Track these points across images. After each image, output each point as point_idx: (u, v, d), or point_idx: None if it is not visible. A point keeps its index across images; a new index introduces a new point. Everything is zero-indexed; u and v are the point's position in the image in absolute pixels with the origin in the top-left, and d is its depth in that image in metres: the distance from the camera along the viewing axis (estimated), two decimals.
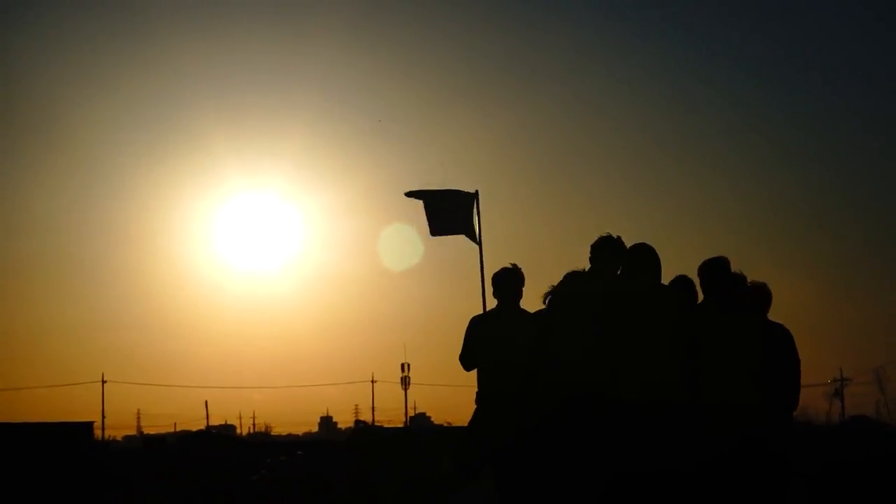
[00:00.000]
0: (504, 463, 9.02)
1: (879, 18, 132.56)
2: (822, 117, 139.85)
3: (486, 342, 9.28)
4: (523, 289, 9.37)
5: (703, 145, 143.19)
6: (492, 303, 9.66)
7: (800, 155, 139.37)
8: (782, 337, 8.97)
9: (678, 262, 9.30)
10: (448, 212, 11.31)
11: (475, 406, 9.29)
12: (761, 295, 9.18)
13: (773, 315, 9.08)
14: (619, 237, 8.74)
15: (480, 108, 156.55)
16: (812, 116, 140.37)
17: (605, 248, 8.72)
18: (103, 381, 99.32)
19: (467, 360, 9.43)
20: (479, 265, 11.06)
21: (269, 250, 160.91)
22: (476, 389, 9.34)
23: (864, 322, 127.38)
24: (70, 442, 31.67)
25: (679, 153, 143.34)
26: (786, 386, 8.84)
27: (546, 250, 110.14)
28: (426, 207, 11.34)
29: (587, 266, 8.82)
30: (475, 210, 11.30)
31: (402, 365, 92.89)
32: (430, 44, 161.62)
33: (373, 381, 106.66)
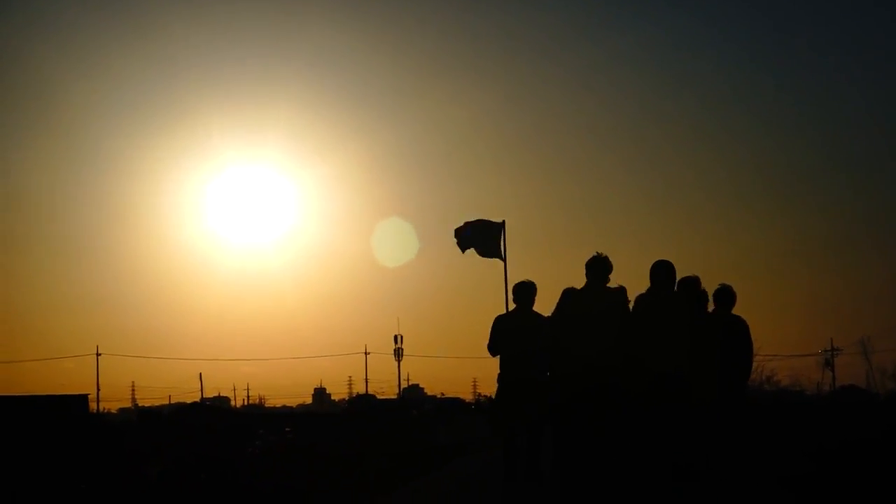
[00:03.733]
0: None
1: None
2: (813, 97, 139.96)
3: (507, 335, 11.78)
4: (535, 297, 11.94)
5: (698, 128, 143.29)
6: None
7: (793, 137, 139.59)
8: (740, 327, 11.66)
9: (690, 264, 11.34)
10: (480, 239, 14.63)
11: (497, 386, 11.88)
12: (727, 294, 11.80)
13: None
14: (606, 256, 11.27)
15: (469, 79, 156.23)
16: (804, 96, 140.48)
17: (597, 265, 11.27)
18: (98, 354, 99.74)
19: (493, 349, 11.89)
20: (503, 279, 14.24)
21: (262, 223, 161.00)
22: (498, 373, 11.83)
23: (855, 293, 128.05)
24: (65, 414, 31.76)
25: (669, 138, 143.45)
26: (740, 363, 11.55)
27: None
28: (463, 235, 14.76)
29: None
30: (503, 236, 14.56)
31: (396, 337, 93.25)
32: (423, 14, 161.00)
33: (366, 353, 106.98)
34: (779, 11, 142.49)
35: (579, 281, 11.57)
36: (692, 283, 11.60)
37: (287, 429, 24.45)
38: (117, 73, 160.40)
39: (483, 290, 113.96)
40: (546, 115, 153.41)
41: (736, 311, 12.01)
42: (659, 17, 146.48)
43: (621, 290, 11.50)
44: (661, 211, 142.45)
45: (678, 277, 11.40)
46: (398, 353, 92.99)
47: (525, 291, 11.93)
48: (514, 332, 11.73)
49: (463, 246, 14.73)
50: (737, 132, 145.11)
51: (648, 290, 11.16)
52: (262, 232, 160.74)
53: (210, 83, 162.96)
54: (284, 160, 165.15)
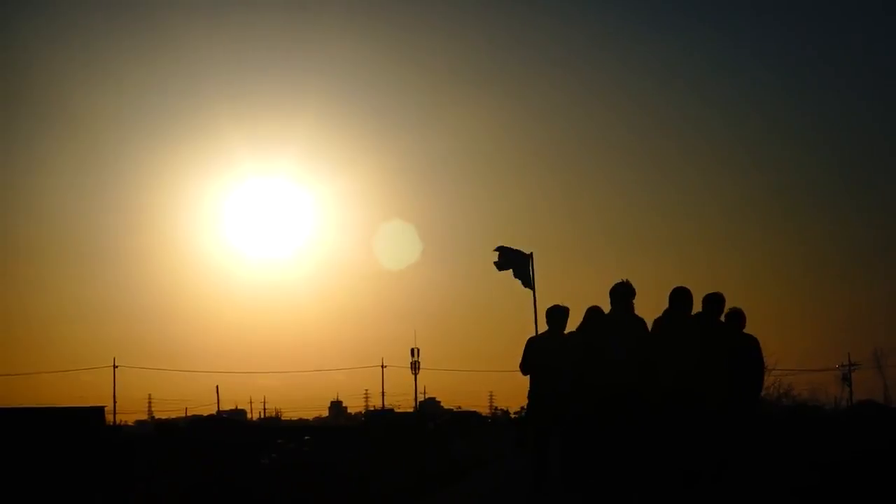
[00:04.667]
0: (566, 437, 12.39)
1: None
2: (829, 110, 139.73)
3: (539, 353, 12.58)
4: (567, 321, 12.68)
5: (716, 144, 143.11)
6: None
7: (806, 150, 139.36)
8: (751, 345, 12.25)
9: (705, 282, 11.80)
10: (514, 264, 15.10)
11: (527, 400, 12.71)
12: (737, 316, 12.31)
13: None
14: (628, 283, 12.16)
15: (488, 92, 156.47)
16: (820, 109, 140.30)
17: (619, 292, 12.10)
18: (115, 367, 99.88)
19: (525, 367, 12.67)
20: (532, 307, 14.72)
21: (279, 235, 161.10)
22: (528, 388, 12.61)
23: (873, 307, 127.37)
24: (82, 427, 31.80)
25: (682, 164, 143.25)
26: (752, 379, 12.15)
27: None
28: (504, 256, 15.10)
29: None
30: (531, 267, 15.06)
31: (412, 350, 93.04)
32: (439, 28, 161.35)
33: (382, 366, 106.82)
34: (801, 28, 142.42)
35: (599, 296, 12.51)
36: (715, 299, 12.23)
37: (306, 437, 24.49)
38: (139, 84, 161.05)
39: (501, 304, 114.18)
40: (568, 129, 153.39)
41: (754, 325, 12.66)
42: (684, 33, 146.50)
43: (642, 321, 12.35)
44: (678, 225, 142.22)
45: (698, 291, 12.19)
46: (415, 367, 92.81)
47: (558, 315, 12.69)
48: (546, 352, 12.52)
49: (502, 264, 15.06)
50: (752, 146, 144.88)
51: (666, 312, 12.04)
52: (280, 244, 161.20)
53: (230, 96, 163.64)
54: (303, 173, 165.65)
